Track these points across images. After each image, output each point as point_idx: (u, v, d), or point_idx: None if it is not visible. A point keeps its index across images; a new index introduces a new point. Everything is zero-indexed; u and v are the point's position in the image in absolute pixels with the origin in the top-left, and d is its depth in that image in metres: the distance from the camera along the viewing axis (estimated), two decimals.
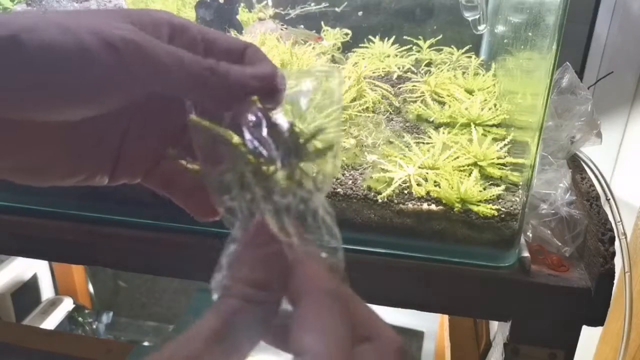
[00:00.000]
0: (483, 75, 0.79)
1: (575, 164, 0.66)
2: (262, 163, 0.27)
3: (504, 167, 0.58)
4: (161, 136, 0.34)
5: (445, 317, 1.01)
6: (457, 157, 0.59)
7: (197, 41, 0.31)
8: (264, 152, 0.27)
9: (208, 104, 0.31)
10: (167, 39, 0.30)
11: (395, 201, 0.54)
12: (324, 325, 0.24)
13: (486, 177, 0.57)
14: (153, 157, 0.34)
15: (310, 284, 0.26)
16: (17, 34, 0.24)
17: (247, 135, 0.28)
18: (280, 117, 0.29)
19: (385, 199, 0.54)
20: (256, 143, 0.28)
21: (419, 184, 0.55)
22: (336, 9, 0.93)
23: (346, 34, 0.93)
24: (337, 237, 0.28)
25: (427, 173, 0.56)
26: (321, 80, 0.32)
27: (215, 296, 0.26)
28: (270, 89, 0.30)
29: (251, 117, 0.29)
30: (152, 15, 0.29)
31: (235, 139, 0.28)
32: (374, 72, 0.83)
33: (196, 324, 0.24)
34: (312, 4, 0.95)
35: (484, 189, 0.55)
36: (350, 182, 0.56)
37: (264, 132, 0.28)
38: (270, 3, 0.97)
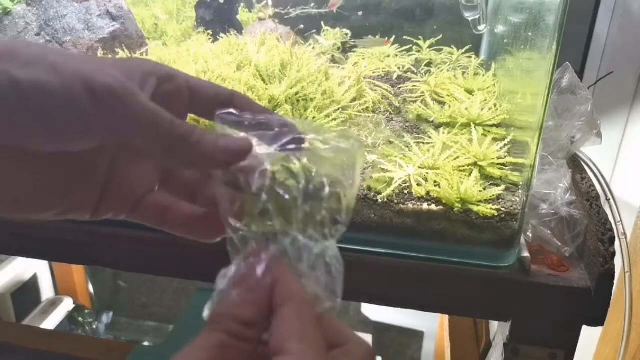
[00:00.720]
0: (483, 75, 0.79)
1: (575, 164, 0.66)
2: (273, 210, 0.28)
3: (504, 167, 0.58)
4: (147, 171, 0.34)
5: (445, 317, 1.01)
6: (457, 157, 0.59)
7: (183, 89, 0.32)
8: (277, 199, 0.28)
9: (171, 166, 0.32)
10: (153, 88, 0.30)
11: (395, 201, 0.54)
12: (302, 330, 0.25)
13: (486, 177, 0.57)
14: (140, 191, 0.34)
15: (289, 294, 0.27)
16: (9, 69, 0.25)
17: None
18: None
19: (385, 199, 0.54)
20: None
21: (419, 184, 0.55)
22: (332, 10, 0.93)
23: (346, 34, 0.93)
24: (338, 291, 0.29)
25: (427, 173, 0.56)
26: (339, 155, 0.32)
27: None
28: (238, 162, 0.30)
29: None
30: (141, 64, 0.30)
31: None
32: (374, 72, 0.83)
33: (182, 355, 0.25)
34: (312, 4, 0.95)
35: (484, 189, 0.55)
36: (350, 181, 0.56)
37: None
38: (270, 3, 0.97)
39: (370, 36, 0.91)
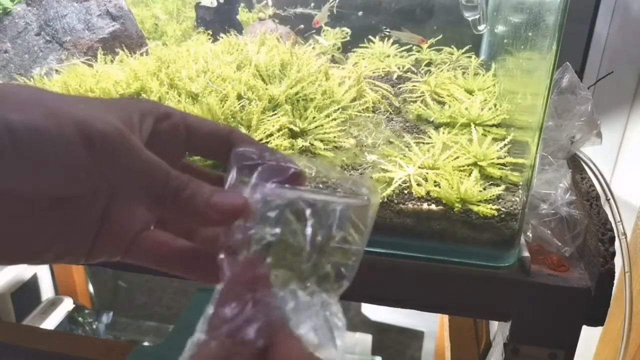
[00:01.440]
0: (483, 75, 0.79)
1: (575, 164, 0.66)
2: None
3: (504, 167, 0.58)
4: (142, 212, 0.33)
5: (445, 317, 1.01)
6: (457, 157, 0.59)
7: (180, 127, 0.31)
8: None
9: (163, 217, 0.31)
10: (150, 128, 0.30)
11: (395, 201, 0.54)
12: None
13: (486, 177, 0.57)
14: (134, 232, 0.33)
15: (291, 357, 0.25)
16: (3, 113, 0.25)
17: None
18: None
19: (385, 199, 0.54)
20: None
21: (419, 184, 0.55)
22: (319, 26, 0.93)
23: (346, 33, 0.93)
24: (339, 350, 0.28)
25: (427, 173, 0.56)
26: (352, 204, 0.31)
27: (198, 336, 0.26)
28: (232, 221, 0.28)
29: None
30: (138, 105, 0.30)
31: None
32: (374, 72, 0.83)
33: None
34: (312, 4, 0.95)
35: (484, 189, 0.55)
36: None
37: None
38: (270, 3, 0.97)
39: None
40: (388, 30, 0.88)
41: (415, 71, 0.83)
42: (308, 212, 0.29)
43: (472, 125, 0.65)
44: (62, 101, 0.27)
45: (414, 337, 1.58)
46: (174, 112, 0.31)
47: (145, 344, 1.49)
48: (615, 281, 0.50)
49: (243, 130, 0.60)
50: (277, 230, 0.28)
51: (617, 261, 0.51)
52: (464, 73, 0.80)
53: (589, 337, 0.88)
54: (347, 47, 0.93)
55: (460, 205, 0.53)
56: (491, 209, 0.52)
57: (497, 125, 0.66)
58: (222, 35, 0.85)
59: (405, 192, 0.55)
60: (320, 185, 0.32)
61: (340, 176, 0.32)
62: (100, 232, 0.32)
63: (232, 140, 0.32)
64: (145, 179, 0.27)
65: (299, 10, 0.95)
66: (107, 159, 0.26)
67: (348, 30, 0.93)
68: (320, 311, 0.28)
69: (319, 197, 0.29)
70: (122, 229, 0.32)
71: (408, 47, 0.91)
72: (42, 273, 1.40)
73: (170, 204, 0.28)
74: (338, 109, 0.67)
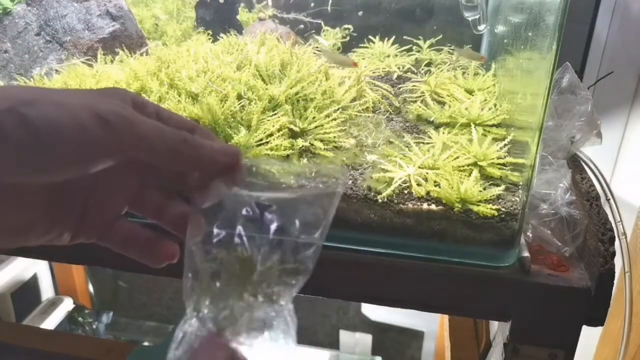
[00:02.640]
0: (483, 75, 0.79)
1: (575, 164, 0.66)
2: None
3: (504, 167, 0.58)
4: (118, 198, 0.37)
5: (445, 317, 1.01)
6: (457, 157, 0.59)
7: (153, 117, 0.34)
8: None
9: (180, 170, 0.35)
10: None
11: (395, 201, 0.54)
12: None
13: (486, 177, 0.57)
14: (112, 216, 0.37)
15: None
16: (16, 107, 0.27)
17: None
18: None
19: (385, 199, 0.54)
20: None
21: (419, 184, 0.55)
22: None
23: (347, 29, 0.93)
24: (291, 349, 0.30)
25: (427, 173, 0.56)
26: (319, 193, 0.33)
27: None
28: (234, 165, 0.34)
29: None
30: (119, 92, 0.33)
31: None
32: (374, 72, 0.83)
33: None
34: (312, 4, 0.95)
35: (484, 189, 0.55)
36: (350, 182, 0.56)
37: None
38: (270, 3, 0.97)
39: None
40: (452, 47, 0.88)
41: (415, 71, 0.83)
42: (268, 211, 0.32)
43: (472, 125, 0.65)
44: (63, 93, 0.30)
45: (414, 337, 1.58)
46: (148, 102, 0.35)
47: (145, 344, 1.49)
48: (615, 281, 0.50)
49: (243, 130, 0.60)
50: (238, 228, 0.31)
51: (617, 261, 0.51)
52: (464, 73, 0.80)
53: (589, 337, 0.88)
54: (347, 47, 0.93)
55: (460, 205, 0.53)
56: (491, 209, 0.52)
57: (497, 125, 0.66)
58: (222, 35, 0.85)
59: (405, 192, 0.55)
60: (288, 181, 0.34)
61: (306, 170, 0.35)
62: (82, 214, 0.35)
63: (195, 134, 0.35)
64: (158, 140, 0.31)
65: (292, 15, 0.95)
66: (124, 133, 0.29)
67: (350, 27, 0.93)
68: (274, 318, 0.30)
69: (280, 194, 0.32)
70: (100, 213, 0.36)
71: (408, 47, 0.91)
72: (42, 273, 1.40)
73: (185, 154, 0.32)
74: (338, 109, 0.67)
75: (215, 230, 0.31)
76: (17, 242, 0.33)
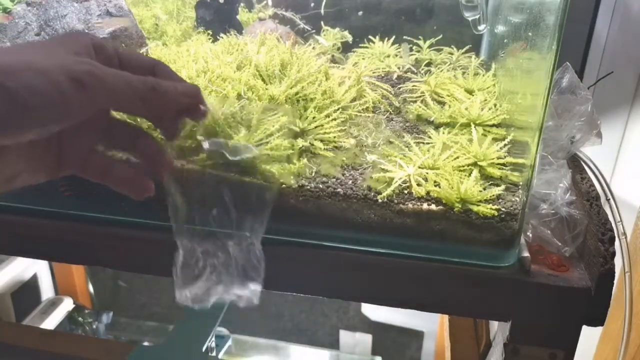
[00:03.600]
0: (483, 75, 0.79)
1: (575, 164, 0.66)
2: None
3: (504, 167, 0.58)
4: (87, 133, 0.40)
5: (445, 317, 1.01)
6: (457, 157, 0.59)
7: (114, 57, 0.38)
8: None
9: (150, 117, 0.38)
10: (94, 57, 0.36)
11: (395, 201, 0.54)
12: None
13: (486, 177, 0.57)
14: (85, 150, 0.40)
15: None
16: (3, 82, 0.29)
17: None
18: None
19: (385, 199, 0.54)
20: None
21: (419, 184, 0.55)
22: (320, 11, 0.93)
23: (346, 37, 0.93)
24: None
25: (427, 173, 0.56)
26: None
27: None
28: (197, 104, 0.39)
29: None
30: (79, 37, 0.36)
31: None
32: (374, 72, 0.83)
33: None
34: (312, 4, 0.95)
35: (484, 189, 0.55)
36: (350, 182, 0.56)
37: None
38: (270, 3, 0.97)
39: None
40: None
41: (415, 71, 0.83)
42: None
43: (472, 125, 0.65)
44: (36, 53, 0.32)
45: (414, 337, 1.58)
46: (107, 44, 0.38)
47: (145, 344, 1.49)
48: (615, 281, 0.51)
49: (243, 130, 0.60)
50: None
51: (617, 261, 0.51)
52: (464, 73, 0.80)
53: (589, 337, 0.88)
54: (347, 47, 0.93)
55: (460, 205, 0.53)
56: (491, 209, 0.52)
57: (497, 125, 0.66)
58: (222, 35, 0.85)
59: (405, 192, 0.55)
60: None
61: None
62: (59, 153, 0.39)
63: (156, 71, 0.39)
64: (128, 91, 0.34)
65: (291, 13, 0.95)
66: (98, 90, 0.32)
67: (349, 37, 0.93)
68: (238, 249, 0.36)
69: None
70: (75, 149, 0.40)
71: (408, 47, 0.91)
72: (42, 273, 1.40)
73: (154, 100, 0.35)
74: (338, 109, 0.67)
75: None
76: (6, 188, 0.36)
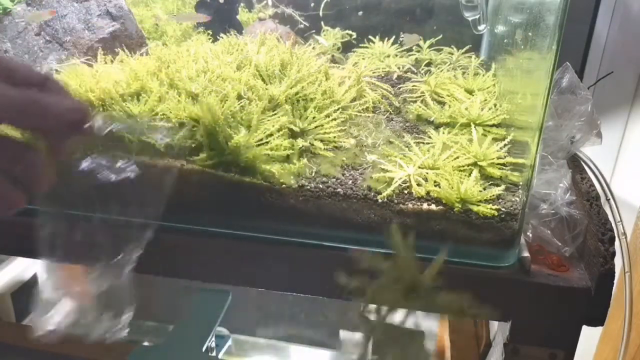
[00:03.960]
0: (483, 75, 0.79)
1: (575, 164, 0.66)
2: None
3: (504, 167, 0.58)
4: None
5: (445, 317, 1.01)
6: (457, 157, 0.59)
7: (4, 72, 0.36)
8: None
9: (33, 130, 0.37)
10: None
11: (395, 201, 0.54)
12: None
13: (486, 177, 0.57)
14: None
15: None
16: None
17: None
18: None
19: (385, 199, 0.54)
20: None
21: (419, 184, 0.55)
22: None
23: (349, 35, 0.93)
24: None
25: (427, 173, 0.56)
26: None
27: None
28: (82, 121, 0.38)
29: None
30: None
31: None
32: (374, 72, 0.83)
33: None
34: (312, 4, 0.95)
35: (484, 189, 0.55)
36: (350, 182, 0.56)
37: None
38: (270, 3, 0.97)
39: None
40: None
41: (415, 71, 0.83)
42: None
43: (472, 125, 0.65)
44: None
45: (414, 337, 1.58)
46: None
47: (145, 344, 1.48)
48: (615, 281, 0.50)
49: (243, 130, 0.60)
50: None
51: (617, 261, 0.51)
52: (464, 73, 0.80)
53: (589, 337, 0.88)
54: (348, 47, 0.93)
55: (460, 205, 0.53)
56: (491, 209, 0.52)
57: (497, 125, 0.66)
58: (222, 35, 0.85)
59: (405, 192, 0.55)
60: None
61: None
62: None
63: (47, 87, 0.38)
64: (9, 104, 0.34)
65: (289, 11, 0.95)
66: None
67: (353, 34, 0.93)
68: None
69: None
70: None
71: (408, 46, 0.91)
72: (42, 273, 1.40)
73: (32, 116, 0.35)
74: (338, 109, 0.67)
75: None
76: None
